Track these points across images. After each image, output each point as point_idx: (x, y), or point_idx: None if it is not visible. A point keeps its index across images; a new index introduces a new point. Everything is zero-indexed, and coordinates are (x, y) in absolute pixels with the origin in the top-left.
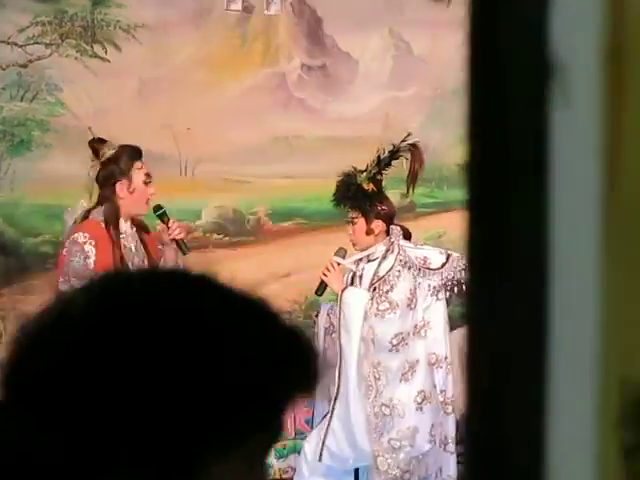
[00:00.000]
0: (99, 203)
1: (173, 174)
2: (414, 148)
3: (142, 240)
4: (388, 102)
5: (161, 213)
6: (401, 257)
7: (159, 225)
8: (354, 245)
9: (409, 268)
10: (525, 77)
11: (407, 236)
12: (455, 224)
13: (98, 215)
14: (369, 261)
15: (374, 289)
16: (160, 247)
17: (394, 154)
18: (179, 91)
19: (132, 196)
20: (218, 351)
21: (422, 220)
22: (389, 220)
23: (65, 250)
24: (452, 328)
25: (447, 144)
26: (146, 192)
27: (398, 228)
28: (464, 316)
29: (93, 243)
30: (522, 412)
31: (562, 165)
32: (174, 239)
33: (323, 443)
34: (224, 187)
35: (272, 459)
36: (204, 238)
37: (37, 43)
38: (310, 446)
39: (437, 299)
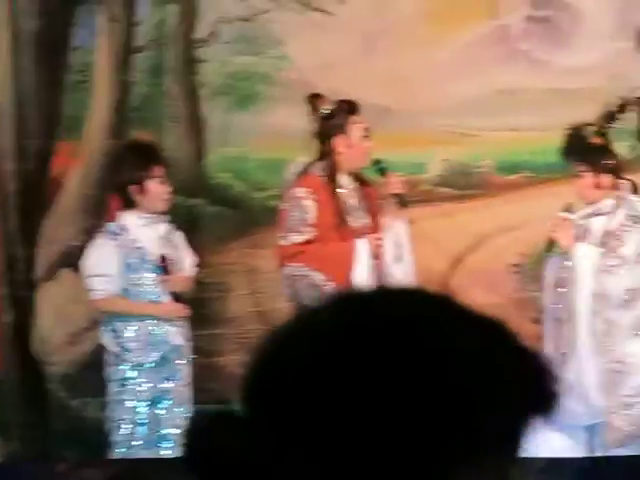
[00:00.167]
0: (319, 158)
1: (398, 127)
2: None
3: (362, 194)
4: (613, 53)
5: (380, 167)
6: (630, 212)
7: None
8: (582, 199)
9: (638, 223)
10: None
11: (635, 190)
12: None
13: (318, 170)
14: (596, 215)
15: (603, 244)
16: (380, 201)
17: (623, 108)
18: (403, 44)
19: (351, 150)
20: (461, 371)
21: None
22: (617, 174)
23: (285, 205)
24: None
25: None
26: (364, 146)
27: (626, 182)
28: None
29: (313, 198)
30: None
31: None
32: (394, 193)
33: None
34: (449, 140)
35: None
36: (431, 191)
37: None
38: None
39: None
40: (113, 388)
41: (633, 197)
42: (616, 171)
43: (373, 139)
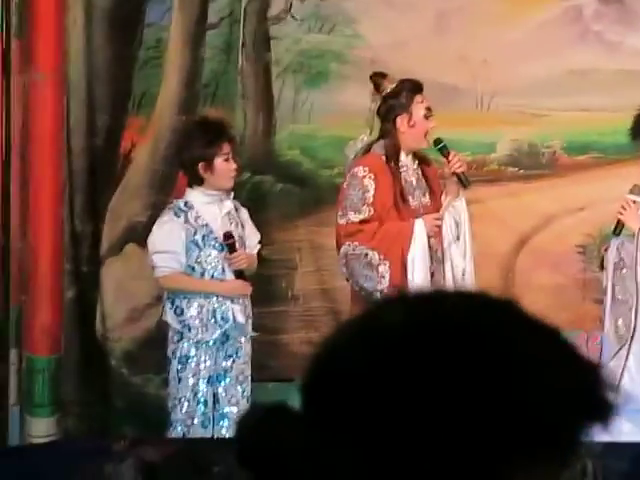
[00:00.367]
0: (380, 137)
1: (468, 107)
2: None
3: (424, 174)
4: None
5: (441, 146)
6: None
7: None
8: None
9: None
10: None
11: None
12: None
13: (379, 149)
14: None
15: None
16: (442, 181)
17: None
18: (476, 23)
19: (412, 130)
20: (521, 379)
21: None
22: None
23: (345, 184)
24: None
25: None
26: (426, 126)
27: None
28: None
29: (373, 177)
30: None
31: None
32: (455, 172)
33: (619, 382)
34: (519, 120)
35: None
36: (499, 171)
37: None
38: None
39: None
40: (174, 365)
41: None
42: None
43: (443, 118)
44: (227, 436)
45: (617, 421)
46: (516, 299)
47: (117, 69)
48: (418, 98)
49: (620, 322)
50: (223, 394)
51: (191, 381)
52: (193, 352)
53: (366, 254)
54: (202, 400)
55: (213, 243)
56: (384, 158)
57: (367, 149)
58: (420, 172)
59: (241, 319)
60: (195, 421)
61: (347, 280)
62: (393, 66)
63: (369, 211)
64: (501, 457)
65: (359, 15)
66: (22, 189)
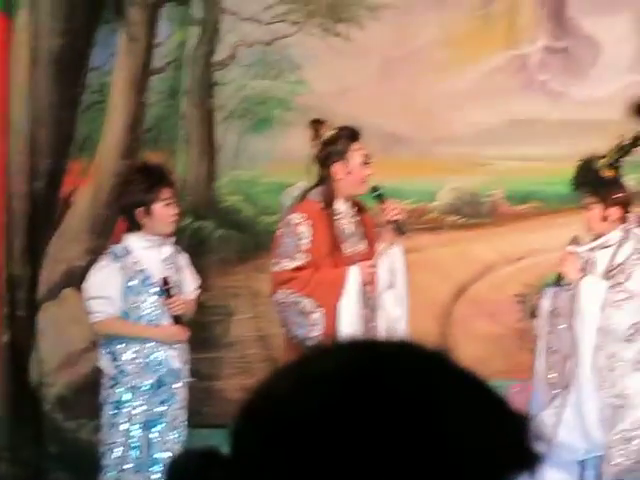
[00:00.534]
0: (317, 183)
1: (411, 154)
2: None
3: (360, 221)
4: (629, 86)
5: (378, 194)
6: (638, 245)
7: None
8: (589, 230)
9: None
10: None
11: None
12: None
13: (316, 195)
14: (604, 248)
15: (610, 278)
16: (377, 228)
17: (636, 142)
18: (420, 71)
19: (349, 177)
20: (449, 429)
21: None
22: (626, 207)
23: (280, 231)
24: None
25: None
26: (364, 173)
27: (635, 215)
28: None
29: (308, 224)
30: None
31: None
32: (391, 220)
33: (554, 433)
34: (461, 168)
35: None
36: (439, 219)
37: (282, 21)
38: None
39: None
40: (108, 411)
41: None
42: (625, 204)
43: (385, 166)
44: None
45: (552, 471)
46: (447, 348)
47: (60, 112)
48: (356, 145)
49: (552, 371)
50: (157, 439)
51: (125, 426)
52: (127, 397)
53: (299, 301)
54: (135, 445)
55: (151, 288)
56: (320, 205)
57: (304, 196)
58: (357, 219)
59: (177, 365)
60: (128, 466)
61: (281, 327)
62: (337, 113)
63: (303, 258)
64: None
65: (304, 61)
66: None
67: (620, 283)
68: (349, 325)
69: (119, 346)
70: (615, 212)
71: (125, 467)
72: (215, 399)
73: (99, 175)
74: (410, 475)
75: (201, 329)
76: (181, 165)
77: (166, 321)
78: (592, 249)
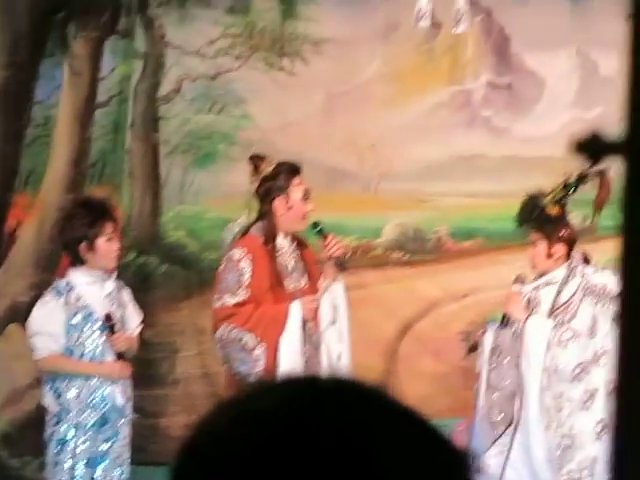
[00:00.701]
0: (258, 219)
1: (356, 190)
2: (602, 175)
3: (301, 256)
4: (573, 123)
5: (319, 230)
6: (583, 283)
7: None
8: (533, 267)
9: (591, 295)
10: None
11: (586, 261)
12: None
13: (257, 231)
14: (549, 285)
15: (556, 316)
16: (318, 264)
17: (581, 180)
18: (364, 107)
19: (290, 212)
20: (385, 468)
21: (603, 243)
22: (570, 244)
23: (222, 266)
24: None
25: None
26: (304, 208)
27: (579, 253)
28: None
29: (249, 259)
30: None
31: None
32: (333, 256)
33: (501, 472)
34: (406, 205)
35: None
36: (384, 256)
37: (226, 55)
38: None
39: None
40: (52, 448)
41: (585, 268)
42: (570, 241)
43: (329, 201)
44: None
45: None
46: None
47: (5, 146)
48: (296, 180)
49: (495, 409)
50: (101, 477)
51: (69, 464)
52: (71, 434)
53: (241, 337)
54: None
55: (94, 324)
56: (261, 240)
57: (245, 231)
58: (298, 254)
59: (121, 401)
60: None
61: (222, 364)
62: (281, 147)
63: (245, 294)
64: None
65: (248, 96)
66: None
67: (565, 322)
68: (291, 361)
69: (63, 383)
70: (560, 249)
71: None
72: (160, 436)
73: (44, 209)
74: None
75: (146, 366)
76: (126, 200)
77: (110, 357)
78: (538, 287)
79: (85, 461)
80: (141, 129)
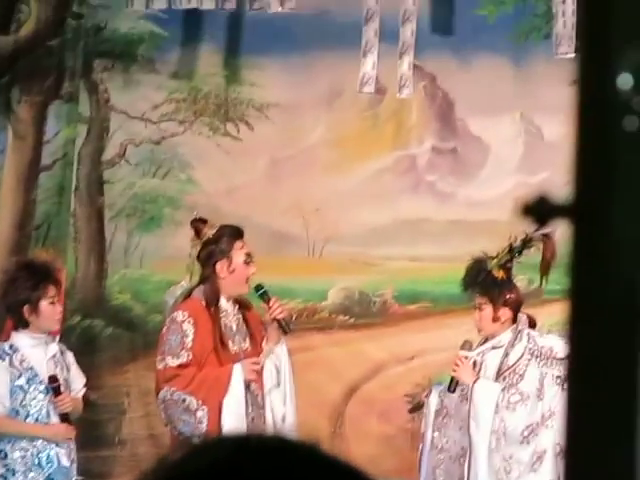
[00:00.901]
0: (201, 282)
1: (300, 254)
2: (547, 238)
3: (245, 319)
4: (518, 187)
5: (262, 292)
6: (530, 346)
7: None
8: (479, 331)
9: (537, 358)
10: None
11: (532, 324)
12: None
13: (199, 294)
14: (495, 349)
15: (503, 379)
16: (262, 326)
17: (527, 243)
18: (309, 171)
19: (232, 275)
20: None
21: (549, 306)
22: (516, 308)
23: (165, 329)
24: None
25: None
26: (246, 272)
27: (525, 317)
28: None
29: (192, 322)
30: None
31: None
32: (276, 318)
33: None
34: (351, 268)
35: None
36: (329, 319)
37: (171, 120)
38: None
39: (562, 389)
40: None
41: (531, 331)
42: (516, 305)
43: (275, 265)
44: None
45: None
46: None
47: None
48: (238, 244)
49: (438, 470)
50: None
51: None
52: None
53: (184, 399)
54: None
55: (38, 386)
56: (204, 303)
57: (188, 294)
58: (241, 317)
59: (66, 463)
60: None
61: (165, 425)
62: (226, 212)
63: (187, 356)
64: None
65: (193, 160)
66: None
67: (513, 385)
68: (235, 422)
69: (7, 444)
70: (506, 313)
71: None
72: None
73: None
74: None
75: (92, 427)
76: (71, 263)
77: (54, 419)
78: (485, 351)
79: None
80: (86, 193)
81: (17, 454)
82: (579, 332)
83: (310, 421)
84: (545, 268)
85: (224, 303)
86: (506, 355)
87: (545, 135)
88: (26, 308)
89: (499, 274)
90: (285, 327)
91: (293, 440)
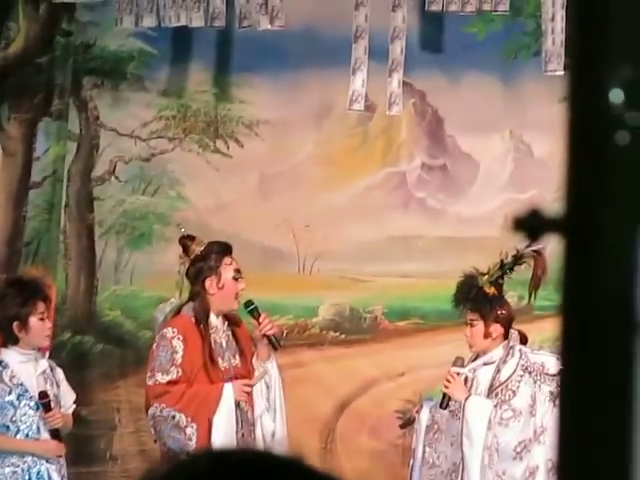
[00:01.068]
0: (190, 299)
1: (291, 271)
2: (538, 255)
3: (234, 335)
4: (508, 204)
5: (252, 309)
6: (522, 362)
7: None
8: (471, 347)
9: (529, 374)
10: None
11: (523, 341)
12: None
13: (189, 310)
14: (487, 365)
15: (496, 395)
16: (252, 343)
17: (518, 260)
18: (299, 188)
19: (222, 292)
20: None
21: (539, 322)
22: (508, 324)
23: (154, 345)
24: None
25: None
26: (236, 288)
27: (516, 333)
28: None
29: (182, 338)
30: None
31: None
32: (266, 334)
33: None
34: (341, 285)
35: None
36: (320, 335)
37: (160, 137)
38: None
39: (554, 405)
40: None
41: (523, 347)
42: (507, 321)
43: (265, 282)
44: None
45: None
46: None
47: None
48: (227, 260)
49: None
50: None
51: None
52: None
53: (173, 416)
54: None
55: (28, 402)
56: (193, 319)
57: (177, 311)
58: (231, 333)
59: (56, 479)
60: None
61: (155, 441)
62: (216, 228)
63: (177, 372)
64: None
65: (183, 177)
66: None
67: (505, 401)
68: (224, 438)
69: None
70: (497, 329)
71: None
72: None
73: None
74: None
75: (83, 443)
76: (61, 279)
77: (45, 435)
78: (476, 367)
79: None
80: (75, 210)
81: (7, 470)
82: (571, 348)
83: (301, 437)
84: (536, 284)
85: (214, 319)
86: (498, 371)
87: (535, 152)
88: (16, 324)
89: (490, 290)
90: (275, 343)
91: (274, 454)
